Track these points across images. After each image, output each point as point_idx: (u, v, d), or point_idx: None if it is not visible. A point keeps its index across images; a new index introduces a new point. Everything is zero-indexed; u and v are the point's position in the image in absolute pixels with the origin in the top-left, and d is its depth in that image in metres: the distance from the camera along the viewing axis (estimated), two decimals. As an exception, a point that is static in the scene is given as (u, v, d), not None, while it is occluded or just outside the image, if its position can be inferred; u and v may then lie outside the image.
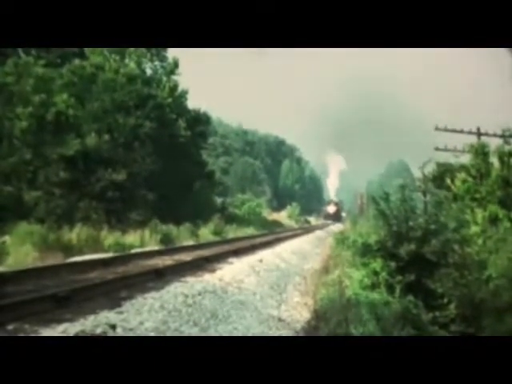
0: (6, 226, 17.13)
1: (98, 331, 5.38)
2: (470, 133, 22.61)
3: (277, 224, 53.45)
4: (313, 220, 79.55)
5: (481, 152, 19.16)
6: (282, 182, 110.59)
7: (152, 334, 5.75)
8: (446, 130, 23.30)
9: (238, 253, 15.57)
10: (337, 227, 48.91)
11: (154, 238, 21.41)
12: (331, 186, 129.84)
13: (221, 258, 14.02)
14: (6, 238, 14.89)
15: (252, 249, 17.64)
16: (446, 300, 11.52)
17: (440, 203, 15.76)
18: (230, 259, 13.93)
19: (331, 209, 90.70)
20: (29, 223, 18.04)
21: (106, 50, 32.83)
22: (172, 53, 37.46)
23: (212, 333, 6.72)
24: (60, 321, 5.83)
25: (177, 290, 8.13)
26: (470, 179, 18.78)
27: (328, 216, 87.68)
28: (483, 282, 11.99)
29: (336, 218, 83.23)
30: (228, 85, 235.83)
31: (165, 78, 36.70)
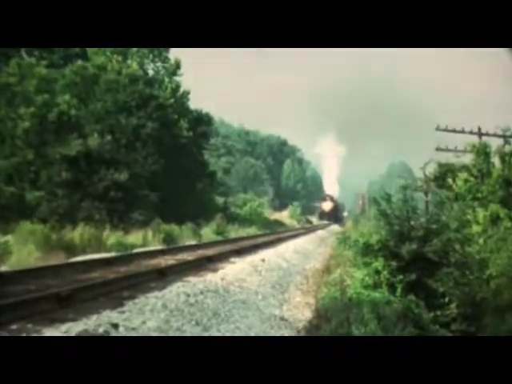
0: (9, 225, 17.19)
1: (101, 330, 5.40)
2: (470, 133, 22.60)
3: (279, 224, 53.45)
4: (314, 220, 74.27)
5: (482, 152, 19.17)
6: (283, 182, 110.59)
7: (154, 334, 5.77)
8: (446, 130, 23.30)
9: (240, 252, 15.58)
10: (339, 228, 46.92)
11: (157, 237, 21.46)
12: (331, 185, 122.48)
13: (223, 257, 14.02)
14: (9, 238, 14.94)
15: (254, 248, 17.65)
16: (447, 299, 11.56)
17: (441, 203, 15.80)
18: (232, 259, 13.94)
19: (327, 206, 73.97)
20: (31, 223, 18.10)
21: (108, 51, 32.93)
22: (174, 54, 37.60)
23: (214, 332, 6.74)
24: (63, 320, 5.85)
25: (179, 290, 8.14)
26: (471, 179, 18.78)
27: (323, 215, 72.70)
28: (484, 282, 12.01)
29: (333, 217, 69.33)
30: (229, 85, 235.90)
31: (167, 79, 36.81)
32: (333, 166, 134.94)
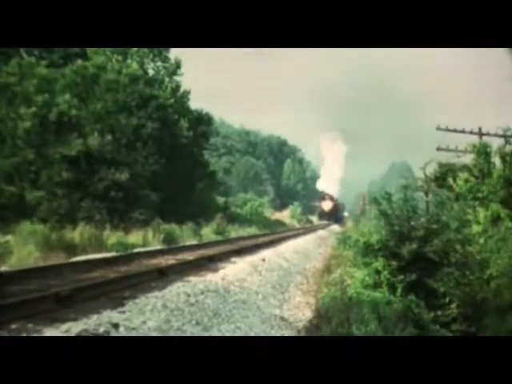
0: (9, 225, 17.18)
1: (101, 330, 5.40)
2: (471, 133, 22.60)
3: (279, 224, 53.39)
4: (315, 219, 72.69)
5: (483, 152, 19.17)
6: (284, 181, 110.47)
7: (155, 334, 5.77)
8: (447, 130, 23.29)
9: (240, 252, 15.56)
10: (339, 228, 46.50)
11: (157, 237, 21.44)
12: (330, 185, 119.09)
13: (223, 257, 14.01)
14: (9, 238, 14.94)
15: (254, 248, 17.64)
16: (447, 299, 11.56)
17: (442, 203, 15.80)
18: (233, 258, 13.92)
19: (326, 205, 72.25)
20: (31, 223, 18.09)
21: (108, 51, 32.91)
22: (174, 53, 37.55)
23: (214, 332, 6.74)
24: (63, 320, 5.84)
25: (179, 290, 8.14)
26: (472, 179, 18.78)
27: (323, 214, 71.10)
28: (484, 282, 12.02)
29: (333, 217, 67.79)
30: (230, 85, 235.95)
31: (167, 79, 36.76)
32: (333, 165, 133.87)
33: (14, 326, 5.58)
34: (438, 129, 23.43)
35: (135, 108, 29.14)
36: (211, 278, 9.78)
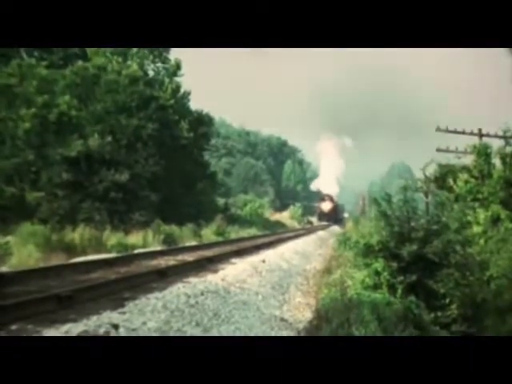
0: (9, 226, 17.18)
1: (101, 331, 5.40)
2: (471, 134, 22.57)
3: (279, 224, 53.41)
4: (315, 220, 72.71)
5: (483, 153, 19.16)
6: (284, 182, 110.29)
7: (155, 335, 5.76)
8: (447, 131, 23.24)
9: (240, 253, 15.57)
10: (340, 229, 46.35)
11: (157, 238, 21.45)
12: (329, 186, 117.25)
13: (223, 258, 14.01)
14: (10, 239, 14.94)
15: (254, 249, 17.64)
16: (447, 300, 11.54)
17: (442, 204, 15.76)
18: (233, 259, 13.93)
19: (326, 206, 71.02)
20: (32, 224, 18.09)
21: (108, 52, 32.88)
22: (174, 54, 37.56)
23: (214, 333, 6.74)
24: (63, 321, 5.85)
25: (179, 291, 8.14)
26: (472, 180, 18.78)
27: (322, 215, 70.31)
28: (485, 283, 12.02)
29: (333, 218, 67.27)
30: (230, 86, 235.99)
31: (167, 80, 36.75)
32: (333, 166, 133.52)
33: (13, 327, 5.58)
34: (438, 130, 23.39)
35: (135, 109, 29.11)
36: (211, 279, 9.78)
